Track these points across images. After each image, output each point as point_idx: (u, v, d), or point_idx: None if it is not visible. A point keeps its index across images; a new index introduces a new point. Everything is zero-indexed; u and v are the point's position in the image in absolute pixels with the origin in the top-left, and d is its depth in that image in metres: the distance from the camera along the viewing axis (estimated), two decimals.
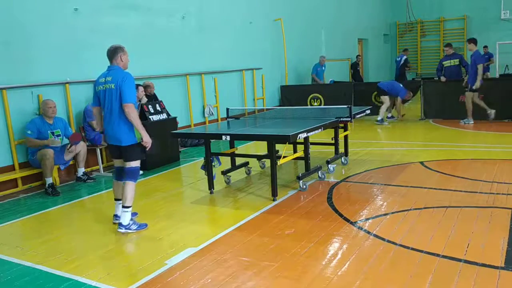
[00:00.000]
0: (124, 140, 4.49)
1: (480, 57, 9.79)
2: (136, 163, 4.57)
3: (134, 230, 4.55)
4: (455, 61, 10.77)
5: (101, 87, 4.51)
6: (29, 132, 6.26)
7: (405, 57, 14.28)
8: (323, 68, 13.43)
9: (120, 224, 4.53)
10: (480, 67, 9.46)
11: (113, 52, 4.50)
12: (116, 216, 4.82)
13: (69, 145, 6.49)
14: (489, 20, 18.81)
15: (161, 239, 4.40)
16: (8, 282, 3.65)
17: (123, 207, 4.53)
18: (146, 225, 4.69)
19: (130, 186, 4.52)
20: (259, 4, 12.00)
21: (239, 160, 6.53)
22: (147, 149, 4.58)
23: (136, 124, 4.42)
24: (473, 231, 4.03)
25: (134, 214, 4.80)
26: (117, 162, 4.74)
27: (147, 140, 4.51)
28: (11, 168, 6.49)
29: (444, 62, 10.95)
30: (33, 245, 4.43)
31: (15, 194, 6.37)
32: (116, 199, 4.83)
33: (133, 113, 4.38)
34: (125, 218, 4.52)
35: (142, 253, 4.09)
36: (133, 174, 4.55)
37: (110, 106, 4.47)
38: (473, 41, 9.86)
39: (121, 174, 4.70)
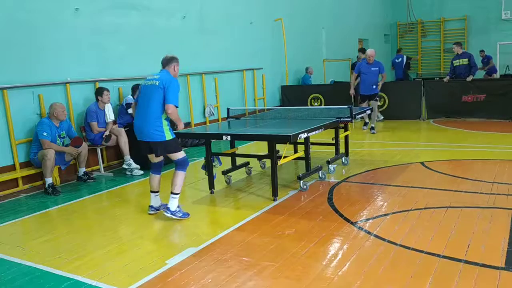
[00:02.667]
0: (157, 136, 4.63)
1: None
2: (181, 154, 4.77)
3: (178, 217, 4.80)
4: (464, 61, 10.70)
5: (147, 82, 4.74)
6: (44, 134, 6.24)
7: (405, 56, 14.07)
8: (311, 77, 13.55)
9: (167, 209, 4.79)
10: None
11: (169, 60, 4.78)
12: (151, 207, 5.09)
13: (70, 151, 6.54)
14: (489, 21, 18.80)
15: (161, 238, 4.41)
16: (8, 282, 3.65)
17: (172, 193, 4.78)
18: (188, 214, 4.90)
19: (180, 176, 4.78)
20: (260, 4, 12.00)
21: (239, 160, 6.53)
22: (178, 129, 4.92)
23: (176, 120, 4.72)
24: (474, 232, 4.03)
25: (165, 205, 5.05)
26: (151, 158, 4.95)
27: (181, 127, 4.89)
28: (11, 168, 6.48)
29: (454, 61, 10.91)
30: (33, 244, 4.43)
31: (16, 193, 6.37)
32: (152, 191, 5.06)
33: (174, 114, 4.60)
34: (173, 204, 4.78)
35: (143, 253, 4.09)
36: (182, 164, 4.78)
37: (147, 101, 4.63)
38: (361, 50, 11.93)
39: (157, 168, 5.01)
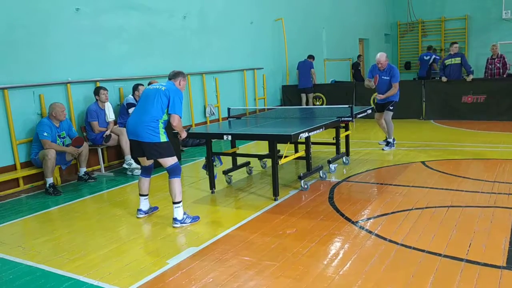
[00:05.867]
0: (151, 137, 4.57)
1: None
2: (172, 160, 4.66)
3: (188, 223, 4.67)
4: (457, 60, 10.72)
5: (151, 87, 4.76)
6: (45, 134, 6.23)
7: (434, 55, 13.91)
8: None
9: (175, 220, 4.64)
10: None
11: (176, 74, 4.82)
12: (140, 210, 5.04)
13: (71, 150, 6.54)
14: (490, 20, 18.77)
15: (162, 238, 4.41)
16: (9, 282, 3.65)
17: (174, 203, 4.65)
18: (198, 217, 4.80)
19: (175, 183, 4.64)
20: (260, 4, 11.99)
21: (240, 160, 6.53)
22: (181, 139, 5.02)
23: (180, 130, 4.80)
24: (475, 231, 4.03)
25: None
26: (144, 161, 4.90)
27: (184, 135, 4.93)
28: (12, 168, 6.49)
29: (446, 61, 10.95)
30: (34, 244, 4.43)
31: (17, 193, 6.37)
32: (141, 195, 5.02)
33: (179, 125, 4.66)
34: (179, 213, 4.65)
35: (144, 253, 4.09)
36: (174, 171, 4.66)
37: (149, 103, 4.60)
38: (312, 56, 12.53)
39: (148, 171, 4.98)
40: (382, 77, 7.76)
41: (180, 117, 4.66)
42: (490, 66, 11.19)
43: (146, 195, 5.04)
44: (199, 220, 4.77)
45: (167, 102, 4.59)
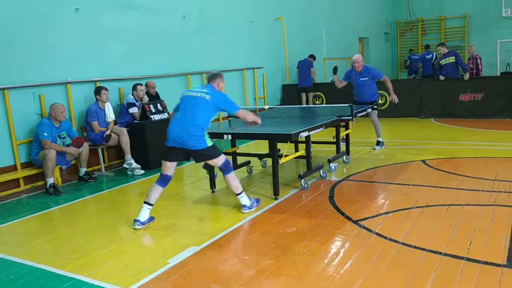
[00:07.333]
0: (199, 145, 4.60)
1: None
2: (222, 158, 4.80)
3: (256, 206, 4.97)
4: (451, 59, 10.88)
5: (190, 93, 4.78)
6: (45, 134, 6.22)
7: (435, 53, 14.01)
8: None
9: (244, 206, 4.90)
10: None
11: (214, 76, 4.87)
12: (137, 221, 4.63)
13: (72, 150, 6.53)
14: (490, 19, 18.76)
15: (163, 238, 4.41)
16: (10, 282, 3.66)
17: (237, 194, 4.91)
18: (260, 200, 5.13)
19: (231, 178, 4.87)
20: (260, 3, 11.99)
21: (240, 159, 6.53)
22: (257, 124, 4.99)
23: (248, 119, 4.91)
24: (475, 229, 4.03)
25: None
26: (169, 168, 4.70)
27: (256, 120, 4.94)
28: (13, 168, 6.49)
29: (441, 61, 11.09)
30: (35, 244, 4.43)
31: (17, 194, 6.38)
32: (147, 203, 4.67)
33: (243, 116, 4.86)
34: (245, 200, 4.92)
35: (144, 252, 4.09)
36: (226, 167, 4.84)
37: (190, 112, 4.63)
38: (313, 56, 12.57)
39: (165, 181, 4.72)
40: (361, 79, 7.79)
41: (240, 109, 4.81)
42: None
43: (152, 205, 4.70)
44: (261, 202, 5.08)
45: (217, 111, 4.83)
